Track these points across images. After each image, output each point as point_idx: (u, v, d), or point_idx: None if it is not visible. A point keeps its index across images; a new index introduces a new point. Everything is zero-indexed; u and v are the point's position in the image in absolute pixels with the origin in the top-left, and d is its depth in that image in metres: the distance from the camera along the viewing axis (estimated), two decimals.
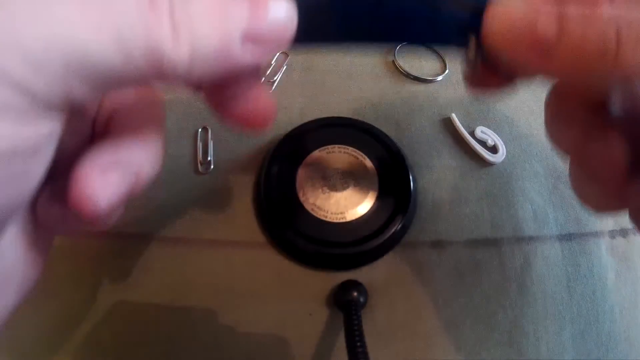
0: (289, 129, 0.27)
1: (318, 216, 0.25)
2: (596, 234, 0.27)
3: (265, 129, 0.15)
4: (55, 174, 0.15)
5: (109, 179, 0.13)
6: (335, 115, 0.29)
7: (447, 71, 0.31)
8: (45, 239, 0.15)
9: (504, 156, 0.28)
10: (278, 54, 0.31)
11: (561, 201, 0.27)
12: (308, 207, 0.25)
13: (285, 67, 0.31)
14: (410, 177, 0.26)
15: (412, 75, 0.31)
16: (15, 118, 0.10)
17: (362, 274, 0.25)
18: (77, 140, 0.15)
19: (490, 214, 0.27)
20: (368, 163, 0.26)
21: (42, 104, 0.10)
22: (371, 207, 0.25)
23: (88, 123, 0.15)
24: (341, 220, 0.25)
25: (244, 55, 0.12)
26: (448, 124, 0.29)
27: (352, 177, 0.26)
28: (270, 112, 0.15)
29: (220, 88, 0.14)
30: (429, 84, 0.31)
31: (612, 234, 0.27)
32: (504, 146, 0.28)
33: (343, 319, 0.22)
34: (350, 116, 0.28)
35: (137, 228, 0.25)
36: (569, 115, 0.15)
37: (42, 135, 0.11)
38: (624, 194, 0.15)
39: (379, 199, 0.25)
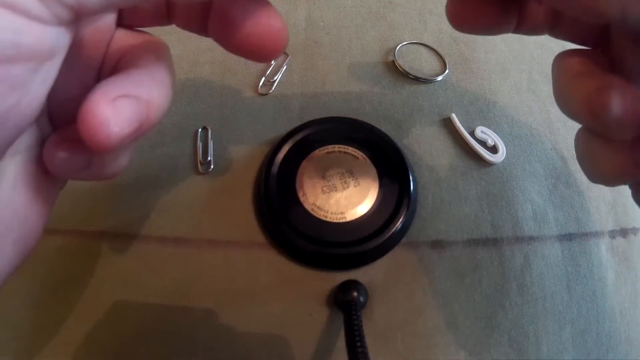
0: (289, 129, 0.27)
1: (318, 216, 0.25)
2: (596, 234, 0.27)
3: (279, 51, 0.14)
4: (61, 122, 0.15)
5: (120, 107, 0.13)
6: (335, 115, 0.29)
7: (447, 71, 0.31)
8: (50, 189, 0.15)
9: (504, 156, 0.28)
10: None
11: (561, 201, 0.27)
12: (308, 207, 0.25)
13: (285, 67, 0.31)
14: (410, 177, 0.26)
15: (412, 75, 0.31)
16: (21, 12, 0.10)
17: (362, 274, 0.25)
18: (82, 89, 0.15)
19: (490, 214, 0.27)
20: (368, 163, 0.26)
21: (51, 3, 0.10)
22: (371, 207, 0.25)
23: (94, 69, 0.15)
24: (341, 220, 0.25)
25: None
26: (448, 124, 0.29)
27: (352, 177, 0.26)
28: (279, 32, 0.14)
29: (226, 17, 0.14)
30: (429, 84, 0.31)
31: (612, 234, 0.27)
32: (504, 146, 0.28)
33: (343, 319, 0.22)
34: (350, 116, 0.28)
35: (137, 228, 0.25)
36: (580, 69, 0.15)
37: (46, 40, 0.11)
38: (636, 154, 0.15)
39: (379, 199, 0.25)
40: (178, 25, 0.16)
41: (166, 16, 0.16)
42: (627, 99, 0.14)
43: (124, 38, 0.16)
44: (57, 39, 0.11)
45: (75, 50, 0.14)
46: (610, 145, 0.15)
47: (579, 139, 0.17)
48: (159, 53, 0.16)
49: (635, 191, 0.17)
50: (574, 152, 0.18)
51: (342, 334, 0.21)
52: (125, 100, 0.13)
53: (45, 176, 0.15)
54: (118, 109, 0.12)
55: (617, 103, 0.14)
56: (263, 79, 0.30)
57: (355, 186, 0.26)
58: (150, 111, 0.14)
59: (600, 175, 0.16)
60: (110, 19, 0.15)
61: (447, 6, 0.16)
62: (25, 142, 0.14)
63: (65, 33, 0.12)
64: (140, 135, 0.14)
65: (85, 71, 0.15)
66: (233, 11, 0.14)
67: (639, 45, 0.14)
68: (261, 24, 0.14)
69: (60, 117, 0.15)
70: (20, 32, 0.10)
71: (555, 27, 0.17)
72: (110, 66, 0.16)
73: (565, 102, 0.16)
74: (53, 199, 0.16)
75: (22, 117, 0.12)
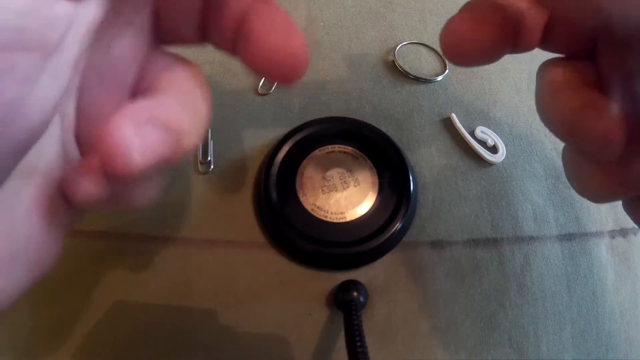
0: (289, 129, 0.27)
1: (318, 216, 0.25)
2: (596, 234, 0.27)
3: (297, 72, 0.13)
4: (85, 151, 0.14)
5: (145, 131, 0.11)
6: (335, 115, 0.29)
7: (447, 71, 0.31)
8: (69, 215, 0.14)
9: (504, 156, 0.28)
10: None
11: (561, 201, 0.27)
12: (308, 207, 0.25)
13: None
14: (410, 177, 0.26)
15: (412, 75, 0.31)
16: None
17: (362, 274, 0.25)
18: (112, 111, 0.14)
19: (490, 214, 0.27)
20: (368, 163, 0.26)
21: None
22: (371, 207, 0.25)
23: (125, 89, 0.14)
24: (341, 220, 0.25)
25: None
26: (448, 124, 0.29)
27: (352, 177, 0.26)
28: (297, 52, 0.13)
29: (248, 35, 0.13)
30: (429, 84, 0.31)
31: (612, 234, 0.27)
32: (504, 146, 0.28)
33: (343, 319, 0.22)
34: (350, 116, 0.28)
35: (137, 228, 0.25)
36: (564, 81, 0.15)
37: (54, 26, 0.10)
38: (623, 174, 0.14)
39: (379, 199, 0.25)
40: (213, 44, 0.15)
41: (201, 33, 0.15)
42: (603, 120, 0.13)
43: (158, 59, 0.15)
44: (66, 14, 0.11)
45: (106, 67, 0.13)
46: (596, 163, 0.15)
47: (565, 154, 0.16)
48: (193, 77, 0.15)
49: (627, 205, 0.16)
50: None
51: (342, 334, 0.21)
52: (152, 126, 0.12)
53: (64, 201, 0.13)
54: (142, 134, 0.11)
55: (593, 124, 0.13)
56: (263, 79, 0.30)
57: (355, 186, 0.26)
58: (181, 140, 0.12)
59: (588, 193, 0.16)
60: (143, 36, 0.14)
61: (441, 41, 0.15)
62: (45, 162, 0.13)
63: (76, 16, 0.11)
64: (169, 164, 0.13)
65: (116, 90, 0.14)
66: (255, 27, 0.13)
67: (634, 50, 0.13)
68: (277, 42, 0.13)
69: (85, 145, 0.14)
70: (26, 14, 0.10)
71: (547, 39, 0.15)
72: (141, 88, 0.14)
73: (546, 115, 0.15)
74: (72, 224, 0.14)
75: (30, 117, 0.11)
